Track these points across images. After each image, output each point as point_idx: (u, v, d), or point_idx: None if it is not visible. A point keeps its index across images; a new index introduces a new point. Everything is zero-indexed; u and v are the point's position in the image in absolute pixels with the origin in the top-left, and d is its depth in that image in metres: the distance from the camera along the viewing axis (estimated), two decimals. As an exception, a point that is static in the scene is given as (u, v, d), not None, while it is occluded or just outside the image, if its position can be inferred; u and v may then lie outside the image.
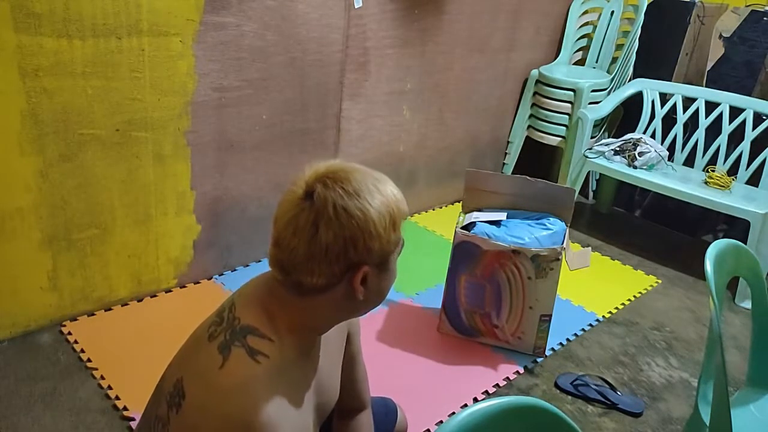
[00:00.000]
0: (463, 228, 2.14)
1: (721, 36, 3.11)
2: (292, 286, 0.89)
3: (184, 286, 2.36)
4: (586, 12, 3.47)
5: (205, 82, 2.13)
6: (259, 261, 2.57)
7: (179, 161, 2.17)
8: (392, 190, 0.91)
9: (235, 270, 2.50)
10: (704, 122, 3.10)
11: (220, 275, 2.45)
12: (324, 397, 1.04)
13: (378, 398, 1.34)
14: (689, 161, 3.17)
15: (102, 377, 1.87)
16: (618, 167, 2.99)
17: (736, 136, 3.02)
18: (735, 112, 3.02)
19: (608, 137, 3.43)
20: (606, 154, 3.08)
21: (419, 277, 2.59)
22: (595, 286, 2.73)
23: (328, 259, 0.86)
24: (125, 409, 1.76)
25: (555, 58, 3.47)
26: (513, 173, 3.53)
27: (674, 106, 3.18)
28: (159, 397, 0.93)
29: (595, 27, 3.48)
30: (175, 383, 0.89)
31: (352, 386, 1.19)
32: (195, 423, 0.84)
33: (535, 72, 3.34)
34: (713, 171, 2.98)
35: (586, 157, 3.09)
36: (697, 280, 2.90)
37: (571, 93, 3.19)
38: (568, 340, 2.32)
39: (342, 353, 1.13)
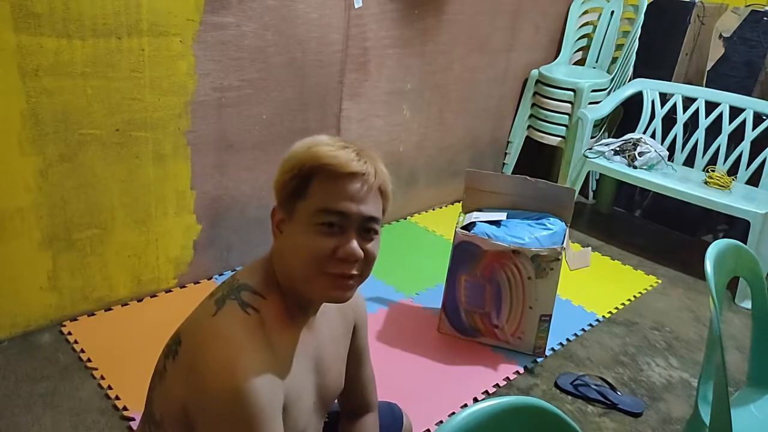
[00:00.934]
0: (463, 228, 2.14)
1: (721, 36, 3.11)
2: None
3: (184, 286, 2.36)
4: (586, 12, 3.47)
5: (205, 82, 2.13)
6: (259, 261, 2.56)
7: (179, 161, 2.17)
8: (316, 141, 0.93)
9: (235, 270, 2.50)
10: (704, 122, 3.10)
11: (220, 275, 2.45)
12: (325, 379, 1.05)
13: (384, 403, 1.34)
14: (689, 161, 3.17)
15: (102, 377, 1.87)
16: (618, 167, 2.99)
17: (736, 136, 3.02)
18: (735, 112, 3.02)
19: (608, 137, 3.43)
20: (606, 154, 3.08)
21: (419, 277, 2.58)
22: (595, 286, 2.73)
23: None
24: (125, 409, 1.76)
25: (555, 58, 3.47)
26: (513, 173, 3.53)
27: (674, 106, 3.18)
28: (159, 358, 0.97)
29: (595, 27, 3.48)
30: (174, 336, 0.95)
31: (358, 385, 1.20)
32: (188, 366, 0.88)
33: (535, 72, 3.34)
34: (713, 171, 2.98)
35: (586, 157, 3.09)
36: (697, 280, 2.89)
37: (571, 93, 3.19)
38: (568, 340, 2.32)
39: (348, 342, 1.14)
